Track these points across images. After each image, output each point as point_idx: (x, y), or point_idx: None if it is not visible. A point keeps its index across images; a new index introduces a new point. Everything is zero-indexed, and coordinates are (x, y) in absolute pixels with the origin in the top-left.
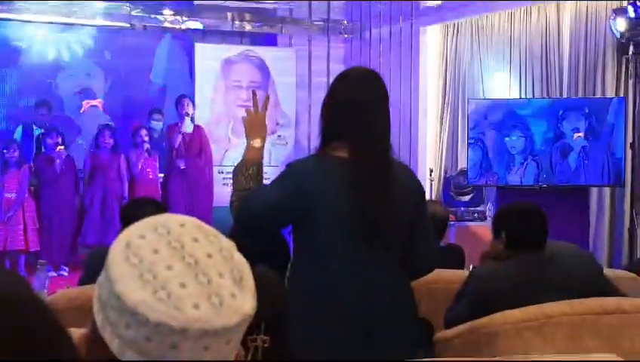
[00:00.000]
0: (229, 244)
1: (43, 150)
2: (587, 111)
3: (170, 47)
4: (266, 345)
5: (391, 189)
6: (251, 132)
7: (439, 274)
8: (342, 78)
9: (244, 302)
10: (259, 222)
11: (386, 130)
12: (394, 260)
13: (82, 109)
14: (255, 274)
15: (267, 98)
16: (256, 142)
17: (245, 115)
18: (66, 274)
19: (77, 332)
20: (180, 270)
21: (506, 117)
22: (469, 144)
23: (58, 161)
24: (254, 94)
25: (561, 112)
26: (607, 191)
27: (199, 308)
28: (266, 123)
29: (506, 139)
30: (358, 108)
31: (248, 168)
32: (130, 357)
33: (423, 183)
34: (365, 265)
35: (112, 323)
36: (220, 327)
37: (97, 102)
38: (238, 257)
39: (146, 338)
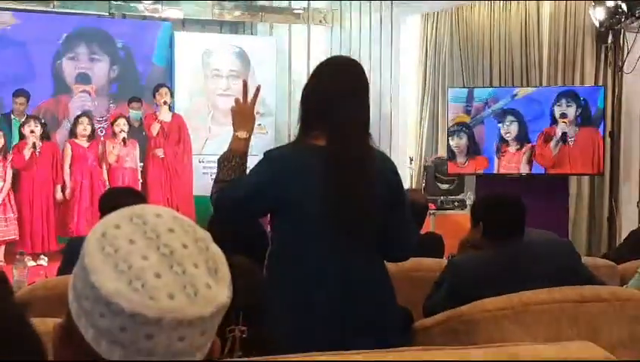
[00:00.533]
0: (204, 235)
1: (22, 139)
2: (570, 100)
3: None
4: (244, 336)
5: (367, 178)
6: (238, 123)
7: (419, 262)
8: (323, 66)
9: (219, 293)
10: (237, 211)
11: (366, 119)
12: (371, 248)
13: (74, 94)
14: (232, 264)
15: (257, 89)
16: (242, 134)
17: (234, 104)
18: (45, 263)
19: (53, 322)
20: (155, 260)
21: (491, 105)
22: (449, 132)
23: (31, 148)
24: (245, 84)
25: (546, 100)
26: (586, 179)
27: (174, 298)
28: (254, 115)
29: (499, 124)
30: (338, 97)
31: (231, 159)
32: (105, 346)
33: (403, 172)
34: (342, 253)
35: (86, 312)
36: (194, 317)
37: (90, 87)
38: (214, 248)
39: (121, 328)
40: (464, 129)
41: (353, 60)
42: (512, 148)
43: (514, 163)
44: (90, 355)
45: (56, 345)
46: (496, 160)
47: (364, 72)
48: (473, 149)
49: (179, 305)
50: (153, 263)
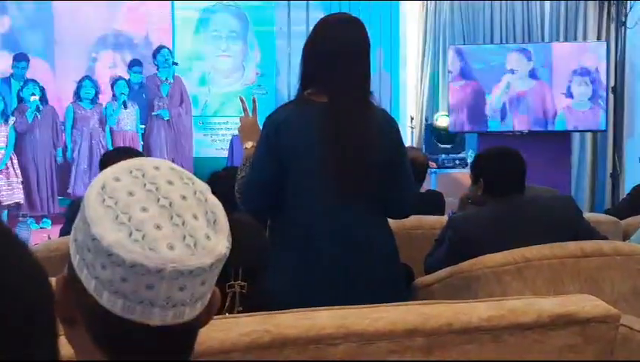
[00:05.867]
0: (202, 187)
1: (22, 103)
2: (572, 56)
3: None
4: (243, 291)
5: (368, 132)
6: (244, 136)
7: (420, 219)
8: (323, 24)
9: (218, 243)
10: (260, 193)
11: (366, 76)
12: (373, 204)
13: None
14: (233, 220)
15: (254, 101)
16: (248, 144)
17: (239, 122)
18: (49, 227)
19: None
20: (154, 212)
21: (493, 63)
22: (450, 91)
23: (32, 111)
24: (242, 101)
25: (546, 57)
26: (588, 135)
27: (174, 249)
28: (258, 126)
29: (500, 84)
30: (339, 54)
31: (245, 163)
32: (106, 297)
33: (403, 130)
34: (344, 209)
35: (88, 264)
36: (194, 267)
37: None
38: (212, 199)
39: (122, 278)
40: (464, 89)
41: (354, 17)
42: (512, 107)
43: (512, 122)
44: (92, 306)
45: (59, 295)
46: (499, 120)
47: (365, 29)
48: (475, 108)
49: (179, 255)
50: (153, 214)
